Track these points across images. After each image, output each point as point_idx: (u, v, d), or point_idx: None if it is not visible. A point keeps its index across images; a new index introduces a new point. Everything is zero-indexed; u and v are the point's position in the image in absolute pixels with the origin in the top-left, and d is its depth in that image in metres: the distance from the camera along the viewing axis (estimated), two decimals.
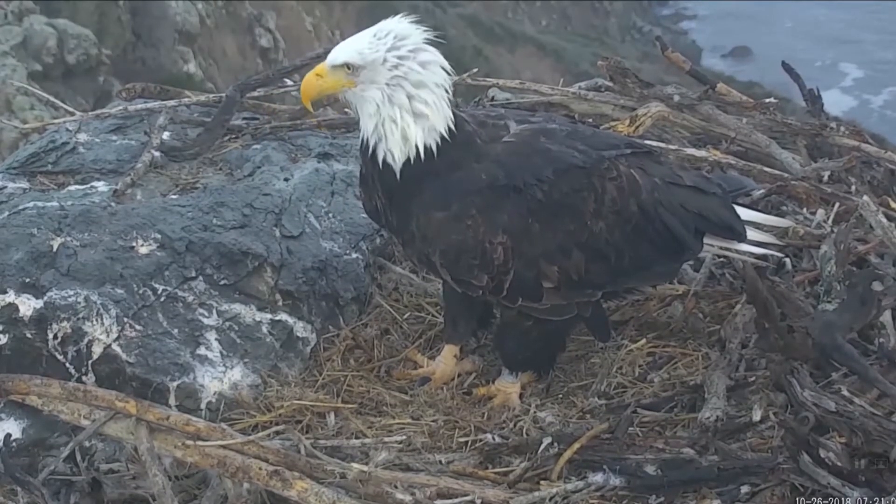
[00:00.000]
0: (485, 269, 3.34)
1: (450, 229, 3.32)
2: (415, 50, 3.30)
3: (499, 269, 3.34)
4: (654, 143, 4.78)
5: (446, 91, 3.33)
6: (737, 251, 3.81)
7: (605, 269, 3.46)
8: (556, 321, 3.51)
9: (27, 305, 3.52)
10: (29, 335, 3.50)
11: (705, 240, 3.68)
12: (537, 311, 3.47)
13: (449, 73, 3.35)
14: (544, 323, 3.51)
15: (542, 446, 3.28)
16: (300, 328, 3.78)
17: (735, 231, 3.72)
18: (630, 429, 3.34)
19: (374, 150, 3.34)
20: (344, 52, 3.32)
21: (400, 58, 3.29)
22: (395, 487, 3.11)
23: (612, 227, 3.44)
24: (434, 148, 3.31)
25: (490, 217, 3.31)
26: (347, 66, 3.32)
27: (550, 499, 3.11)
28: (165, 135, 4.47)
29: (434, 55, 3.33)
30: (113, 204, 3.88)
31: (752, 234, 3.79)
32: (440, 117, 3.31)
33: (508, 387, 3.63)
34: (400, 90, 3.29)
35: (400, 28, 3.33)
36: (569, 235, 3.38)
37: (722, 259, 4.23)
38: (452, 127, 3.33)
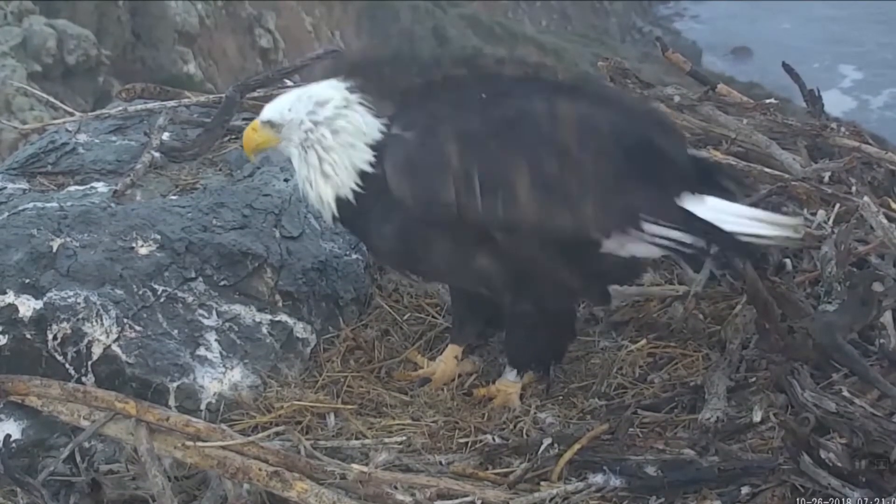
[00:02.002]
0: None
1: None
2: (331, 117, 3.37)
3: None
4: None
5: (363, 147, 3.36)
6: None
7: (578, 180, 3.31)
8: (563, 307, 3.52)
9: (27, 306, 3.52)
10: (28, 336, 3.50)
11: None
12: (533, 248, 3.35)
13: (374, 127, 3.37)
14: (551, 313, 3.50)
15: (543, 447, 3.28)
16: (300, 329, 3.78)
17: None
18: (630, 430, 3.34)
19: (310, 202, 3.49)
20: (269, 109, 3.47)
21: (315, 122, 3.38)
22: (396, 488, 3.11)
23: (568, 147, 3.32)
24: (351, 197, 3.37)
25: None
26: (271, 123, 3.45)
27: (550, 500, 3.11)
28: (165, 135, 4.46)
29: (351, 122, 3.37)
30: (113, 205, 3.88)
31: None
32: (349, 175, 3.36)
33: (509, 387, 3.63)
34: (312, 152, 3.39)
35: (323, 93, 3.42)
36: (525, 155, 3.29)
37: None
38: (368, 170, 3.35)
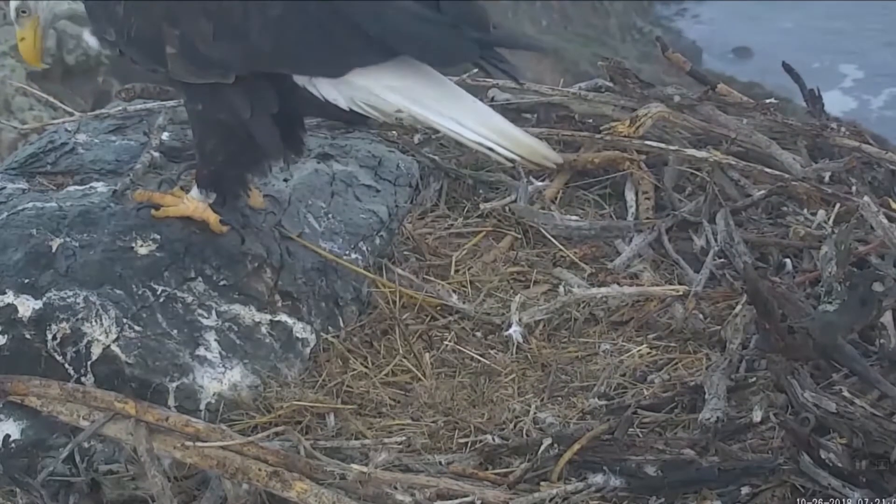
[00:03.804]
0: (111, 22, 3.47)
1: None
2: None
3: (122, 23, 3.43)
4: (655, 144, 4.79)
5: None
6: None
7: (236, 48, 3.35)
8: (226, 113, 3.47)
9: (26, 306, 3.51)
10: (28, 336, 3.49)
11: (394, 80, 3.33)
12: (175, 75, 3.46)
13: None
14: (212, 111, 3.50)
15: (542, 447, 3.28)
16: (300, 329, 3.78)
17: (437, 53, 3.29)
18: (630, 430, 3.34)
19: None
20: (13, 5, 3.67)
21: None
22: (395, 488, 3.11)
23: (250, 7, 3.32)
24: None
25: None
26: (21, 10, 3.67)
27: (550, 500, 3.11)
28: (165, 135, 4.45)
29: None
30: (112, 204, 3.88)
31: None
32: None
33: (190, 201, 3.72)
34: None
35: None
36: (195, 3, 3.36)
37: (723, 260, 4.23)
38: None
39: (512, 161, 3.45)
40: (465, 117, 3.36)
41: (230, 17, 3.33)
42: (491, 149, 3.36)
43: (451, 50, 3.29)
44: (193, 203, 3.75)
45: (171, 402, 3.46)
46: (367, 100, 3.37)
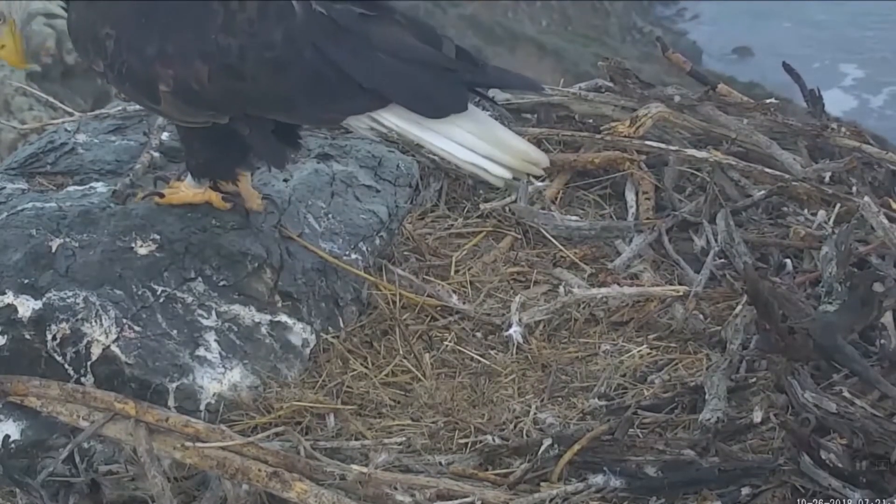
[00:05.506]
0: (99, 55, 3.46)
1: (71, 13, 3.60)
2: None
3: (112, 58, 3.43)
4: (655, 144, 4.79)
5: None
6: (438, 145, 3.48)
7: (230, 91, 3.38)
8: (212, 129, 3.51)
9: (26, 306, 3.51)
10: (28, 336, 3.49)
11: (390, 117, 3.41)
12: (166, 114, 3.55)
13: None
14: (196, 129, 3.57)
15: (543, 448, 3.28)
16: (299, 329, 3.77)
17: (430, 106, 3.37)
18: (630, 430, 3.34)
19: None
20: None
21: None
22: (395, 489, 3.11)
23: (246, 49, 3.34)
24: None
25: (102, 9, 3.48)
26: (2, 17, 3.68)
27: (550, 500, 3.11)
28: (164, 135, 4.44)
29: None
30: (112, 205, 3.88)
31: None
32: None
33: (188, 189, 3.80)
34: None
35: None
36: (189, 44, 3.36)
37: (723, 260, 4.23)
38: None
39: (504, 179, 3.53)
40: (459, 132, 3.43)
41: (226, 57, 3.35)
42: (485, 169, 3.45)
43: (442, 102, 3.37)
44: (191, 190, 3.82)
45: (170, 402, 3.46)
46: (363, 123, 3.47)
